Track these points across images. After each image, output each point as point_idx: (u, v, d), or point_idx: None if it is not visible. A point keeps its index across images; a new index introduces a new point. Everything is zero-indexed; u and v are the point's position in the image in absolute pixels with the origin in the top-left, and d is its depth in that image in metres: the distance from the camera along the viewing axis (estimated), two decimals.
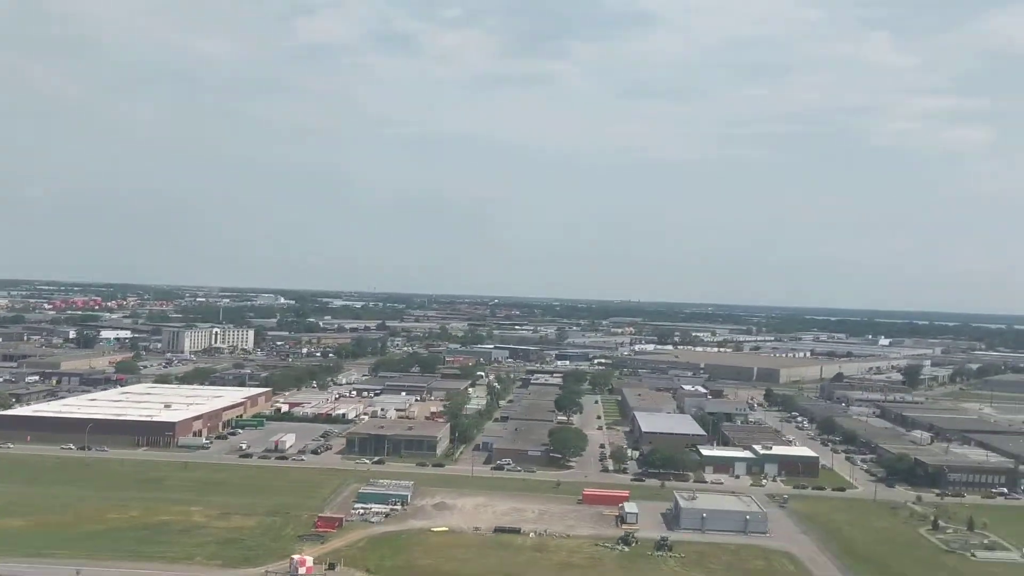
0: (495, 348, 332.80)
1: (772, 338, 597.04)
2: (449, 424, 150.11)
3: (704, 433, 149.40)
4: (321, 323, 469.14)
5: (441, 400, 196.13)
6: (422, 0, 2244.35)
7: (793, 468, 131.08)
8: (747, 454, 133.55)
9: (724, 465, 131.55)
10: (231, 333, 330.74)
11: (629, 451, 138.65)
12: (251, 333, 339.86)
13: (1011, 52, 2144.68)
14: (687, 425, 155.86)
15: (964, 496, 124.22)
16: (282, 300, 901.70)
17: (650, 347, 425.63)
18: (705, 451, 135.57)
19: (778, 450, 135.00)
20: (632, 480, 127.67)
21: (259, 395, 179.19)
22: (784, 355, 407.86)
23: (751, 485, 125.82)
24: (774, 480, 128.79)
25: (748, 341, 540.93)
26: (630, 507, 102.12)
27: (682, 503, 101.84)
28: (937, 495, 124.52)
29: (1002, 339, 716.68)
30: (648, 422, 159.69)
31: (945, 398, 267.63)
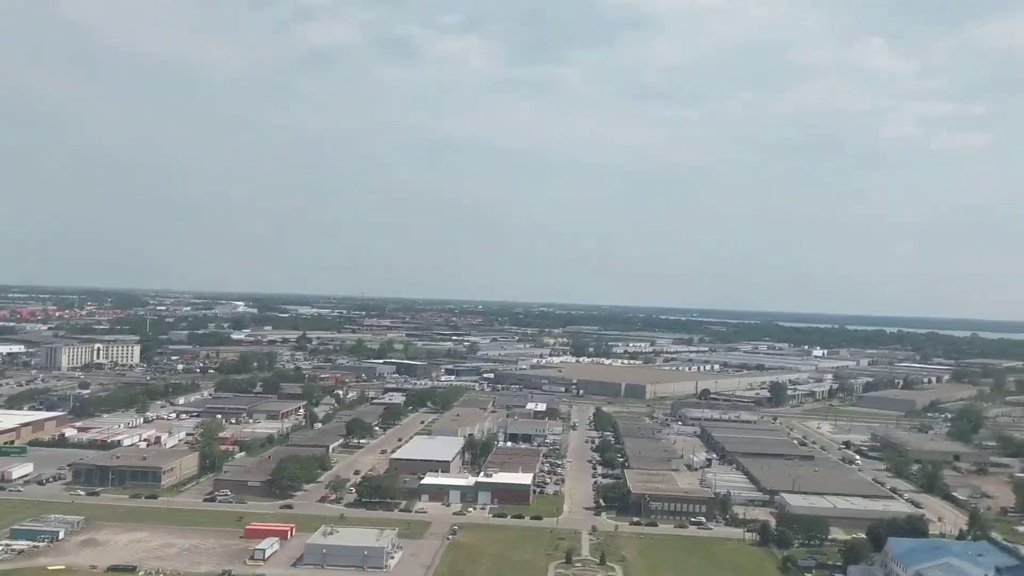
0: (383, 363, 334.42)
1: (707, 348, 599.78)
2: (199, 453, 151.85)
3: (449, 460, 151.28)
4: (233, 334, 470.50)
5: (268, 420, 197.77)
6: (422, 6, 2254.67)
7: (506, 496, 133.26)
8: (463, 482, 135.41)
9: (439, 493, 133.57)
10: (114, 349, 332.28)
11: (351, 480, 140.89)
12: (136, 348, 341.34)
13: (1007, 58, 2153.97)
14: (446, 451, 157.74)
15: (657, 525, 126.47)
16: (241, 307, 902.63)
17: (557, 359, 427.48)
18: (427, 479, 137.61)
19: (499, 477, 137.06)
20: (345, 509, 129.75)
21: (47, 420, 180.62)
22: (689, 368, 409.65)
23: (453, 513, 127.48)
24: (483, 508, 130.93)
25: (680, 352, 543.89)
26: (266, 543, 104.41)
27: (309, 539, 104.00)
28: (633, 523, 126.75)
29: (954, 349, 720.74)
30: (409, 448, 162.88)
31: (801, 415, 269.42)
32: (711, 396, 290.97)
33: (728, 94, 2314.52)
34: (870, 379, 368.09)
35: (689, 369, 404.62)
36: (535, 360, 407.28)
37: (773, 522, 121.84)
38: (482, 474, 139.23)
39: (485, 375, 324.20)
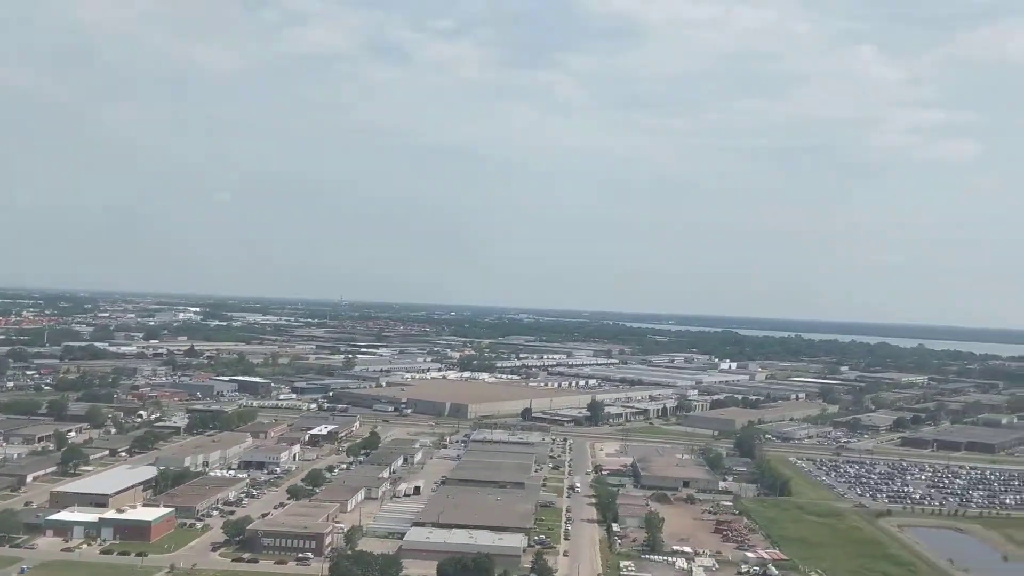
0: (227, 380, 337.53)
1: (616, 361, 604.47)
2: None
3: (110, 494, 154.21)
4: (110, 345, 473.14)
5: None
6: (414, 11, 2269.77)
7: (129, 532, 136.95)
8: (88, 517, 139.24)
9: (63, 529, 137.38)
10: None
11: None
12: None
13: (998, 67, 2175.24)
14: (120, 483, 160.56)
15: (259, 561, 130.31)
16: (182, 315, 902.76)
17: (437, 375, 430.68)
18: (51, 515, 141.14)
19: (129, 514, 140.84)
20: None
21: None
22: (562, 384, 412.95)
23: (62, 549, 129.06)
24: (103, 542, 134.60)
25: (584, 364, 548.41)
26: None
27: None
28: (237, 559, 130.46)
29: (878, 361, 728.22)
30: (82, 481, 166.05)
31: (606, 435, 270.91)
32: (532, 416, 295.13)
33: (719, 103, 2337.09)
34: (721, 396, 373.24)
35: (560, 385, 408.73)
36: (408, 376, 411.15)
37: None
38: (111, 511, 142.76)
39: (328, 394, 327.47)
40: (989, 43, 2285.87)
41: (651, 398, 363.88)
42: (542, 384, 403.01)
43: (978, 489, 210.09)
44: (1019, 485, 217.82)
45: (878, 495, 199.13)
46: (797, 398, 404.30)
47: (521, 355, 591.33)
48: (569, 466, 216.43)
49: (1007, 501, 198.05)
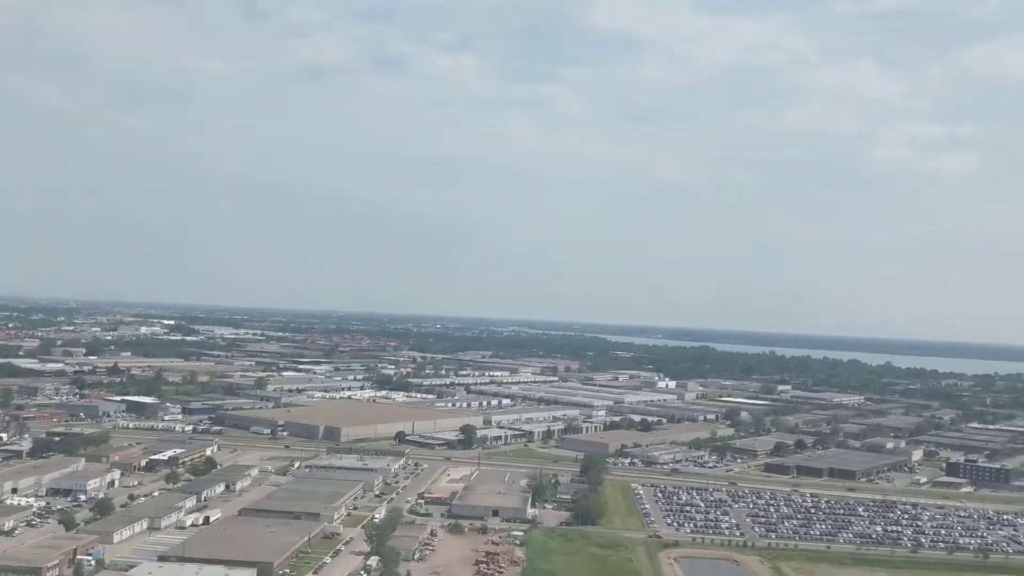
0: (119, 400, 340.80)
1: (557, 378, 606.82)
2: None
3: None
4: (40, 362, 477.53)
5: None
6: (416, 23, 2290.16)
7: None
8: None
9: None
10: None
11: None
12: None
13: (996, 82, 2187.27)
14: None
15: None
16: (142, 330, 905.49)
17: (354, 393, 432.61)
18: None
19: None
20: None
21: None
22: (486, 403, 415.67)
23: None
24: None
25: (518, 383, 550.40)
26: None
27: None
28: None
29: (845, 379, 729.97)
30: None
31: (476, 459, 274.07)
32: (406, 439, 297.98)
33: (717, 116, 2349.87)
34: (617, 418, 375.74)
35: (471, 405, 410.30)
36: (319, 395, 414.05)
37: None
38: None
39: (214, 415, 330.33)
40: (988, 58, 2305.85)
41: (553, 419, 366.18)
42: (455, 404, 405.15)
43: (795, 519, 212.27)
44: (843, 514, 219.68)
45: (686, 524, 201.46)
46: (704, 419, 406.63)
47: (461, 372, 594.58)
48: (396, 494, 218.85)
49: (813, 531, 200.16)
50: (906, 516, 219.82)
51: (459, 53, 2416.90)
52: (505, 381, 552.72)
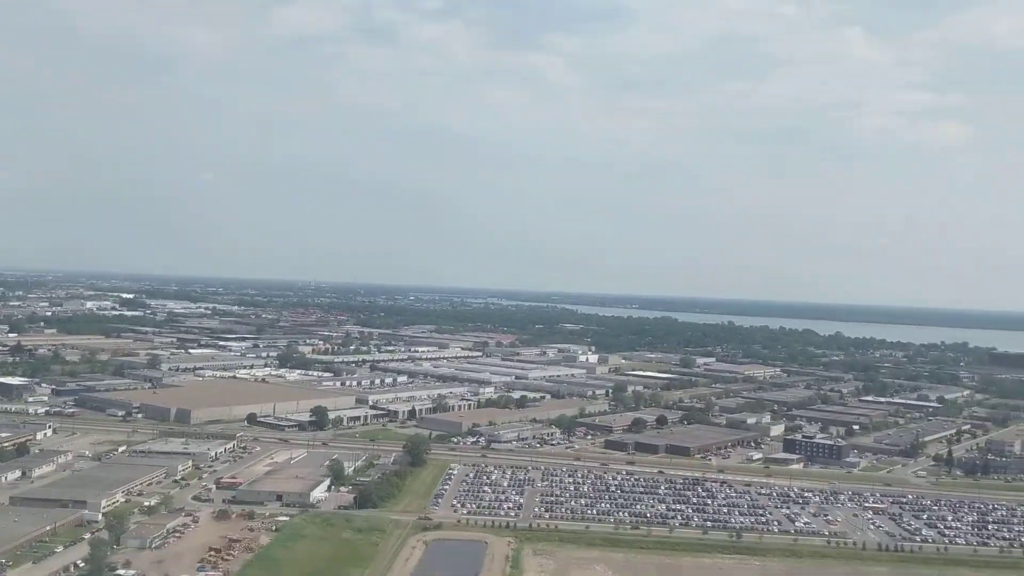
0: None
1: (480, 353, 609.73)
2: None
3: None
4: None
5: None
6: None
7: None
8: None
9: None
10: None
11: None
12: None
13: (987, 50, 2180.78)
14: None
15: None
16: (87, 305, 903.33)
17: (259, 372, 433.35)
18: None
19: None
20: None
21: None
22: (381, 381, 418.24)
23: None
24: None
25: (442, 359, 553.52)
26: None
27: None
28: None
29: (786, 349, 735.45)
30: None
31: (318, 441, 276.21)
32: (258, 420, 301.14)
33: (707, 86, 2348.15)
34: (495, 395, 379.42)
35: (373, 383, 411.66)
36: (210, 374, 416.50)
37: None
38: None
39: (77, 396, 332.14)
40: (979, 25, 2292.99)
41: (440, 396, 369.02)
42: (346, 383, 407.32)
43: (587, 498, 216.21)
44: (640, 493, 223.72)
45: (470, 505, 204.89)
46: (593, 394, 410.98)
47: (386, 348, 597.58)
48: (201, 479, 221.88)
49: (593, 511, 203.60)
50: (704, 494, 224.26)
51: (447, 21, 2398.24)
52: (428, 357, 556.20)
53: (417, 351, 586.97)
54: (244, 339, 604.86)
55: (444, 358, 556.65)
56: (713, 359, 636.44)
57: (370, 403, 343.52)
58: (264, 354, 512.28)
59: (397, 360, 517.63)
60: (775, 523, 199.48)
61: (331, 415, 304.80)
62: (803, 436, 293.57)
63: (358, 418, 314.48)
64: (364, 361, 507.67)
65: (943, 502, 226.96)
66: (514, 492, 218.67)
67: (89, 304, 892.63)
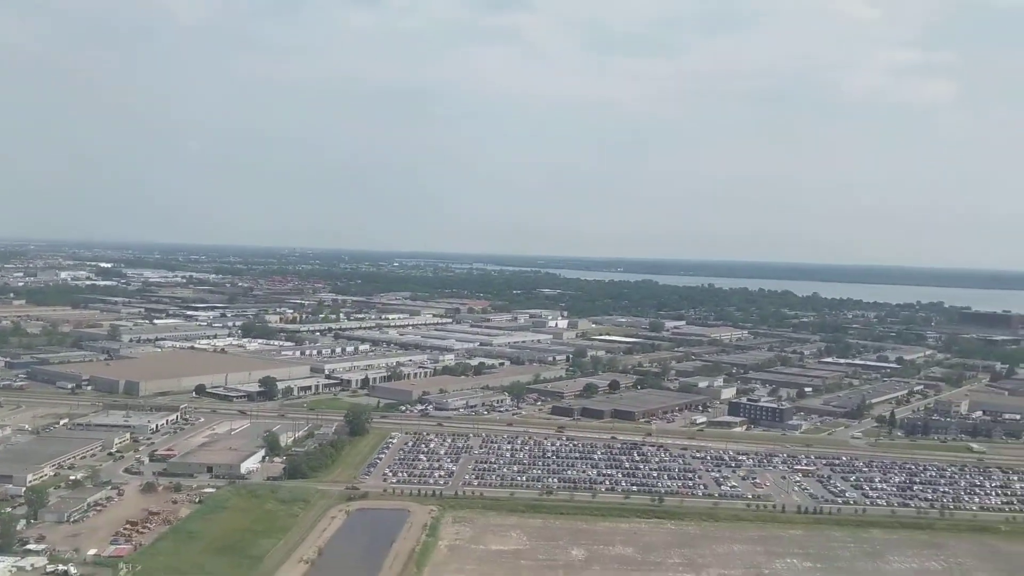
0: None
1: (451, 320, 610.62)
2: None
3: None
4: None
5: None
6: None
7: None
8: None
9: None
10: None
11: None
12: None
13: (973, 4, 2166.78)
14: None
15: None
16: (61, 276, 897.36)
17: (220, 342, 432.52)
18: None
19: None
20: None
21: None
22: (343, 350, 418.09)
23: None
24: None
25: (409, 326, 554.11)
26: None
27: None
28: None
29: (758, 311, 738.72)
30: None
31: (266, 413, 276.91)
32: (207, 392, 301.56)
33: (694, 48, 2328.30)
34: (452, 362, 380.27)
35: (336, 351, 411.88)
36: (172, 345, 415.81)
37: None
38: None
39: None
40: None
41: (396, 364, 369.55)
42: (305, 352, 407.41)
43: (521, 464, 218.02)
44: (576, 458, 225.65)
45: (401, 474, 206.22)
46: (554, 359, 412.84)
47: (356, 316, 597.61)
48: (136, 451, 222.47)
49: (523, 477, 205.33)
50: (639, 459, 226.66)
51: None
52: (396, 324, 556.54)
53: (387, 319, 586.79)
54: (214, 308, 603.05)
55: (412, 325, 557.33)
56: (683, 322, 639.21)
57: (326, 372, 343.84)
58: (230, 324, 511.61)
59: (363, 328, 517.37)
60: (702, 487, 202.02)
61: (282, 385, 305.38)
62: (748, 399, 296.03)
63: (309, 388, 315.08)
64: (330, 329, 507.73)
65: (875, 464, 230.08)
66: (449, 460, 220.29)
67: (64, 275, 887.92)
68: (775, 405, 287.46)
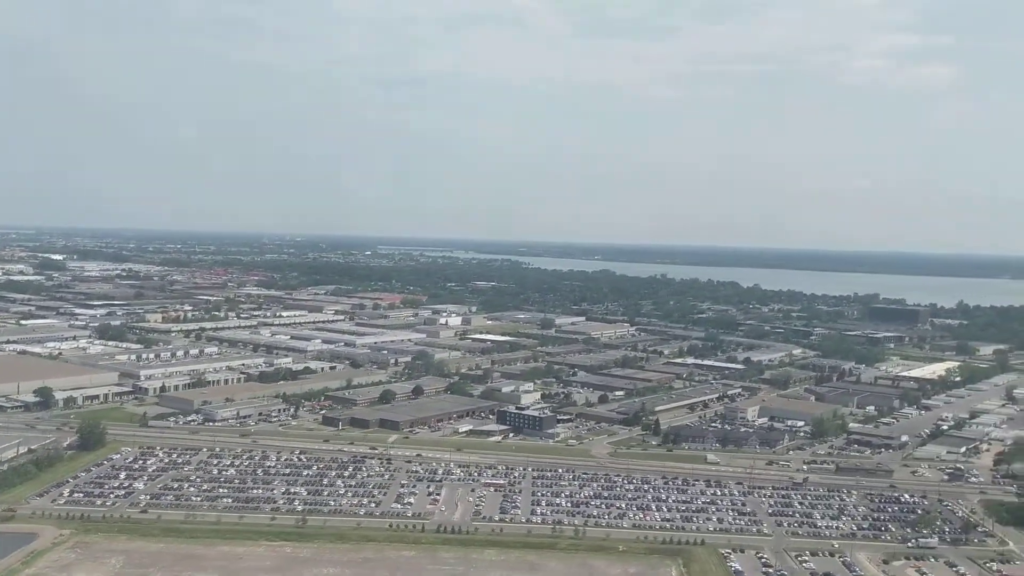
0: None
1: (342, 317, 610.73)
2: None
3: None
4: None
5: None
6: None
7: None
8: None
9: None
10: None
11: None
12: None
13: None
14: None
15: None
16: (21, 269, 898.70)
17: (80, 343, 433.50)
18: None
19: None
20: None
21: None
22: (202, 352, 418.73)
23: None
24: None
25: (299, 324, 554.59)
26: None
27: None
28: None
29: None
30: None
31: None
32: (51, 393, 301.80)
33: (691, 30, 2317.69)
34: (292, 364, 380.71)
35: (202, 352, 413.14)
36: (11, 348, 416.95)
37: None
38: None
39: None
40: None
41: (204, 371, 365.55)
42: (166, 353, 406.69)
43: (215, 482, 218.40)
44: (288, 474, 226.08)
45: (77, 495, 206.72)
46: (396, 362, 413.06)
47: (255, 312, 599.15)
48: None
49: (198, 498, 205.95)
50: (347, 475, 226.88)
51: None
52: (279, 323, 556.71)
53: (281, 315, 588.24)
54: (111, 305, 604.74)
55: (296, 324, 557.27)
56: (583, 318, 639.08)
57: (142, 378, 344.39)
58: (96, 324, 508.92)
59: (236, 328, 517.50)
60: (370, 505, 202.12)
61: (67, 394, 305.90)
62: (516, 407, 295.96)
63: (96, 396, 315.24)
64: (203, 329, 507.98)
65: (584, 476, 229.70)
66: (147, 478, 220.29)
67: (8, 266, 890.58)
68: (537, 414, 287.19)
